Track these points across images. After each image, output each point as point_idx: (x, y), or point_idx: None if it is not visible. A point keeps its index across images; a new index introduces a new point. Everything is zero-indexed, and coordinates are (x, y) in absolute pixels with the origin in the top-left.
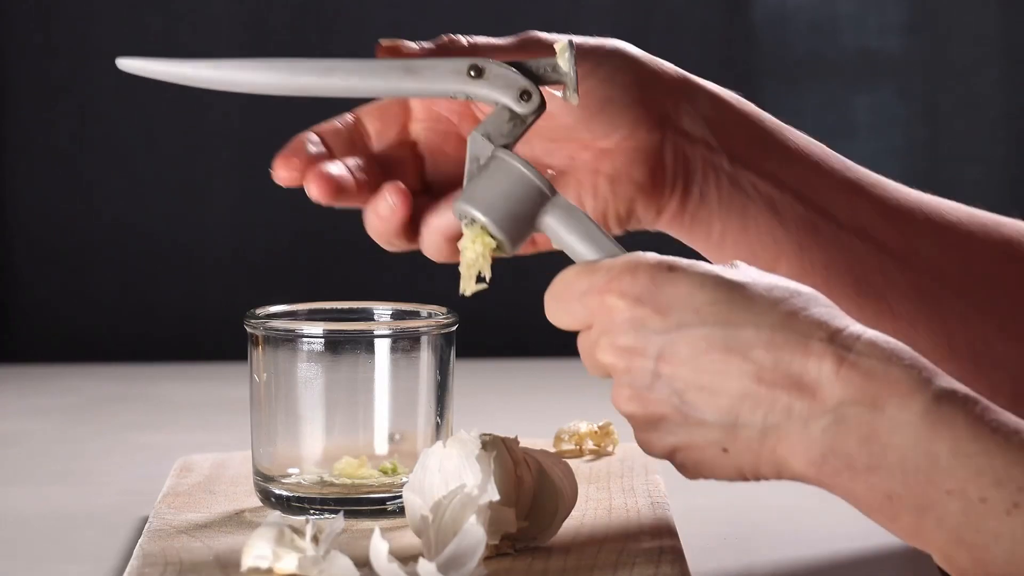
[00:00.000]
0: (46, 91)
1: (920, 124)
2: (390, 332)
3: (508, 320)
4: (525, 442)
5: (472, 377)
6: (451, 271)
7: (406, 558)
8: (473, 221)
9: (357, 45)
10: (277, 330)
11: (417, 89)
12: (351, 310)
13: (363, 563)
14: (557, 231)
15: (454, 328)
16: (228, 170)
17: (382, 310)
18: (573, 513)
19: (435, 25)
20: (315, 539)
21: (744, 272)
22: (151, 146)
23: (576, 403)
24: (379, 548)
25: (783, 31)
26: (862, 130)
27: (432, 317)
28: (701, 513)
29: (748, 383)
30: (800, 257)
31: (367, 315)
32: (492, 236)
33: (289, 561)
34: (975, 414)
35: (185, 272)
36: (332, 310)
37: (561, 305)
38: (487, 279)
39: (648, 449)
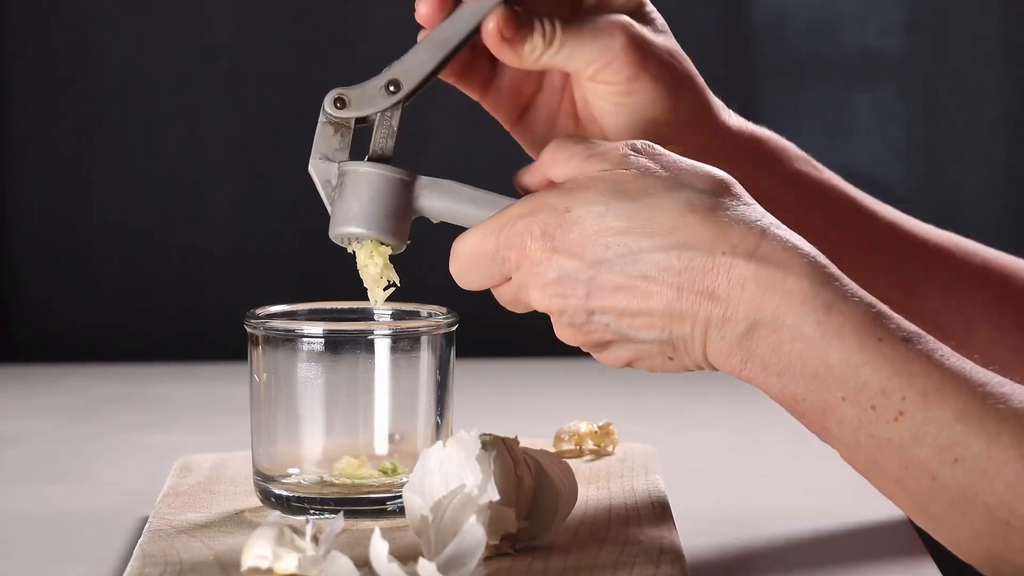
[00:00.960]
0: (46, 91)
1: (920, 124)
2: (390, 332)
3: (508, 320)
4: (525, 442)
5: (472, 377)
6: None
7: (406, 558)
8: (359, 240)
9: (360, 43)
10: (277, 330)
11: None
12: (351, 310)
13: (363, 563)
14: (436, 206)
15: (454, 328)
16: (228, 170)
17: (382, 310)
18: (573, 513)
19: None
20: (315, 539)
21: (640, 174)
22: (151, 146)
23: (576, 403)
24: (379, 548)
25: (783, 31)
26: (862, 130)
27: (432, 317)
28: (701, 513)
29: (670, 301)
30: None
31: (367, 315)
32: (383, 244)
33: (289, 561)
34: (866, 322)
35: (185, 272)
36: (332, 310)
37: (474, 270)
38: (397, 282)
39: (606, 364)
